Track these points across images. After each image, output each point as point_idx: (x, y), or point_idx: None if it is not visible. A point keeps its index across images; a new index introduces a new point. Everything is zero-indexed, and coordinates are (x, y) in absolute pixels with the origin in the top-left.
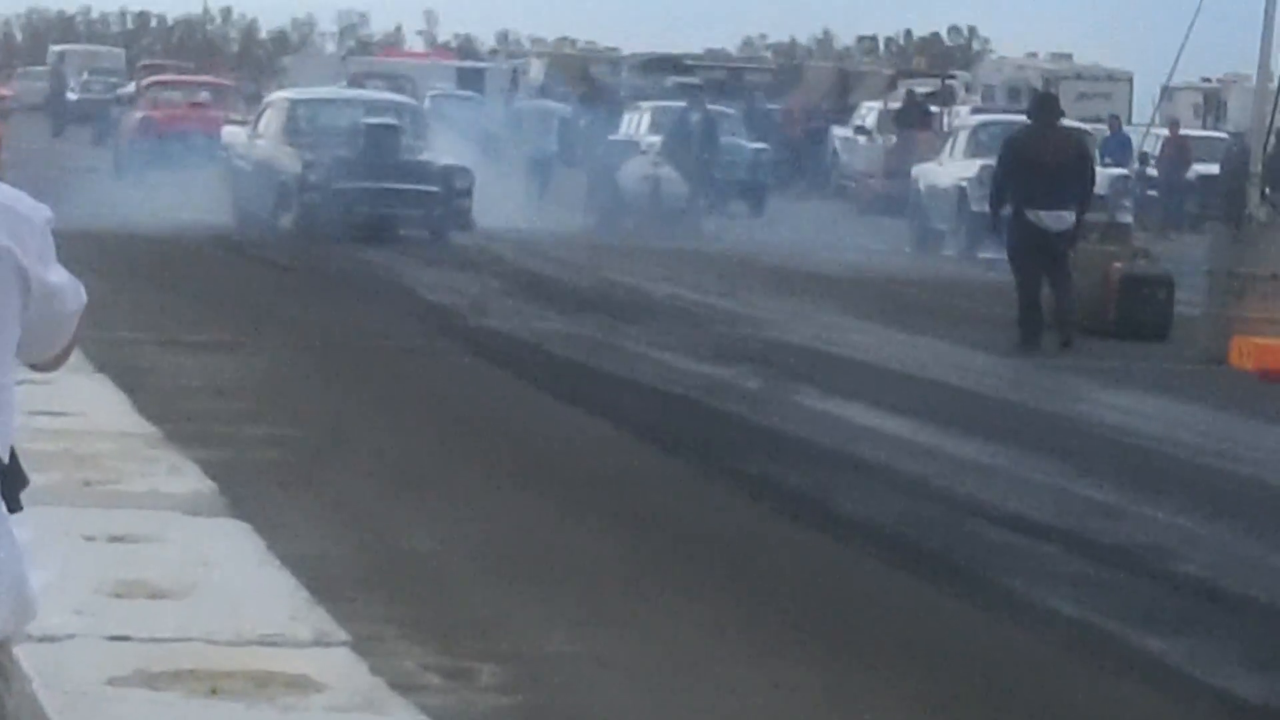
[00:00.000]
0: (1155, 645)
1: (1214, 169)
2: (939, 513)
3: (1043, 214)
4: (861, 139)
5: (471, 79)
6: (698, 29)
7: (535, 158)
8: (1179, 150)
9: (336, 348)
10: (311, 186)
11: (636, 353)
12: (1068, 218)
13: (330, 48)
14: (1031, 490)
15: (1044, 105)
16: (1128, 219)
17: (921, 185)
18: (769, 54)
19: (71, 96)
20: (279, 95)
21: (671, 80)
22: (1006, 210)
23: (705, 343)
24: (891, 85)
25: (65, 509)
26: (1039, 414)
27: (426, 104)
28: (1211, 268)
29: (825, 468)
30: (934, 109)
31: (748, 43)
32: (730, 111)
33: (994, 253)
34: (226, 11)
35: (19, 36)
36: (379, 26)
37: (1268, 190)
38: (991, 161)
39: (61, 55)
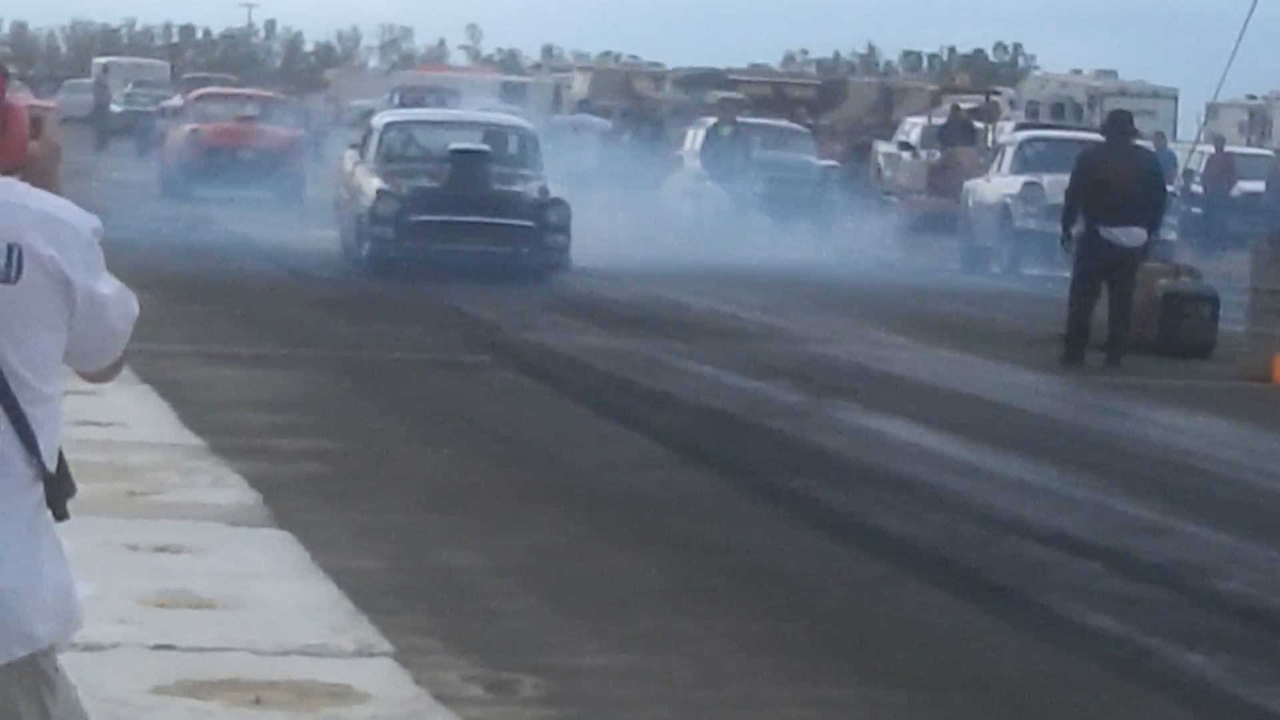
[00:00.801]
0: (1197, 663)
1: (1259, 186)
2: (979, 530)
3: (1116, 230)
4: (905, 155)
5: (515, 94)
6: (741, 44)
7: (574, 172)
8: (1224, 167)
9: (379, 362)
10: (381, 219)
11: (678, 368)
12: (1139, 234)
13: (373, 62)
14: (1073, 507)
15: (1118, 123)
16: (1172, 236)
17: (970, 202)
18: (813, 69)
19: (115, 109)
20: (380, 117)
21: (715, 95)
22: (1079, 228)
23: (746, 358)
24: (935, 101)
25: (109, 519)
26: (1080, 430)
27: None
28: (1255, 285)
29: (865, 484)
30: (978, 125)
31: (790, 58)
32: (800, 129)
33: (1041, 269)
34: (271, 25)
35: (63, 49)
36: (422, 40)
37: None
38: (1036, 178)
39: (105, 68)
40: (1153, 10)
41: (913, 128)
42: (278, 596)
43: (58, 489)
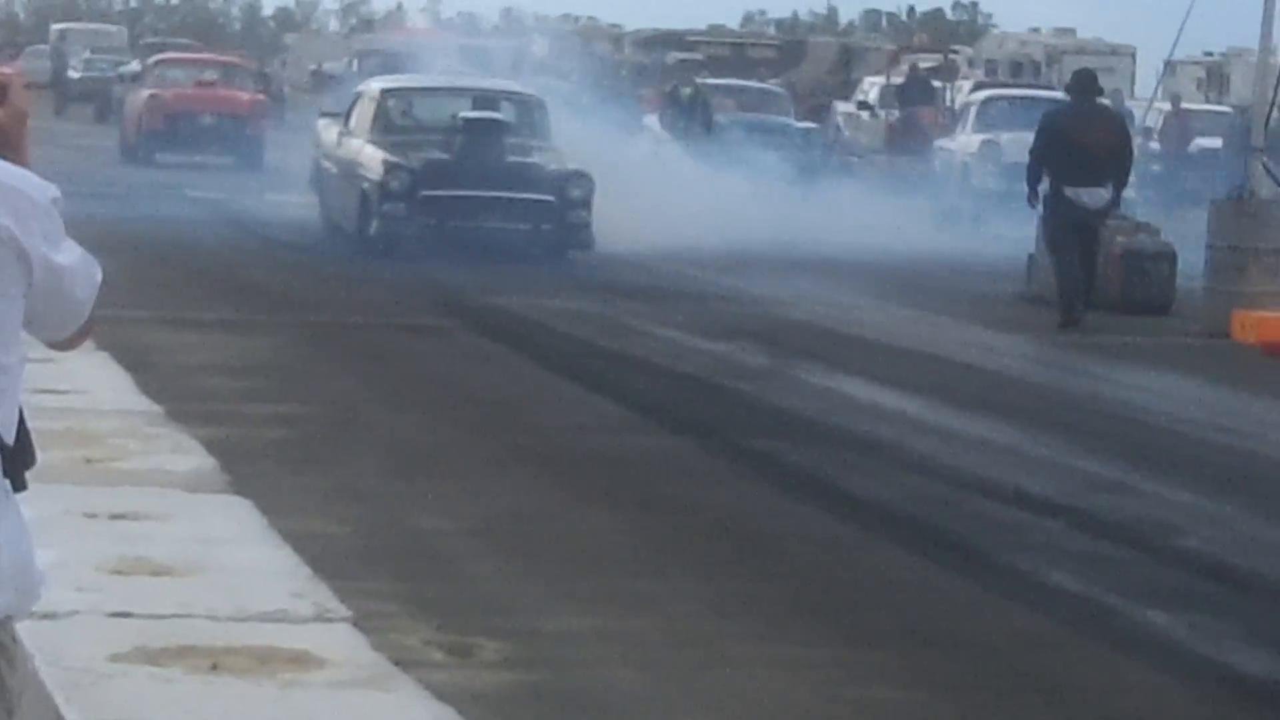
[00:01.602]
0: (1159, 621)
1: (1217, 143)
2: (944, 490)
3: (1081, 191)
4: (864, 114)
5: (476, 57)
6: (700, 5)
7: None
8: (1181, 125)
9: (344, 327)
10: (393, 195)
11: (642, 331)
12: (1105, 195)
13: (333, 25)
14: (1034, 466)
15: (1084, 83)
16: (1130, 194)
17: (937, 162)
18: (771, 29)
19: (73, 75)
20: (372, 83)
21: (673, 57)
22: (1044, 187)
23: (711, 321)
24: (894, 60)
25: (67, 486)
26: (1041, 389)
27: None
28: (1213, 242)
29: (831, 446)
30: (937, 84)
31: (749, 18)
32: (777, 90)
33: (1001, 229)
34: None
35: (22, 16)
36: (381, 4)
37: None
38: (994, 136)
39: (63, 34)
40: None
41: (871, 87)
42: (236, 563)
43: (17, 459)
